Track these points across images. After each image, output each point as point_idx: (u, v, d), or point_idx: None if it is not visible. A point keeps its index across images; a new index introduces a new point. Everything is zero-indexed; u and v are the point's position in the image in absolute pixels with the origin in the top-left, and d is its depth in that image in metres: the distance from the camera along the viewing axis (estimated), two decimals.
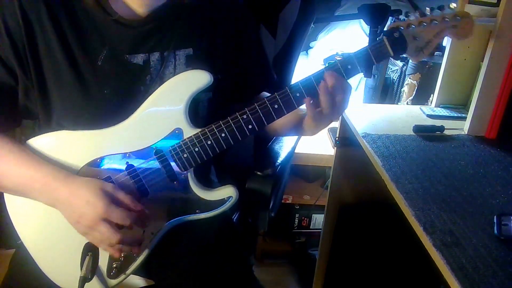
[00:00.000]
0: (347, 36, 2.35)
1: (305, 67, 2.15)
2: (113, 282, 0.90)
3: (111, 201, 0.79)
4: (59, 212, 0.84)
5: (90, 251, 0.87)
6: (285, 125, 0.98)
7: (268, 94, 0.86)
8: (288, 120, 0.95)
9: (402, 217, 0.85)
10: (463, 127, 1.19)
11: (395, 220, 1.01)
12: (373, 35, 1.46)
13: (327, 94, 0.81)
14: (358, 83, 2.12)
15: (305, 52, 2.45)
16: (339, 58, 0.85)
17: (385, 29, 1.54)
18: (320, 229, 1.74)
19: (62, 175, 0.82)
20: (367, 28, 2.07)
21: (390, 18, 1.56)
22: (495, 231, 0.76)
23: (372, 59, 0.84)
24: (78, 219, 0.80)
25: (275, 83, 1.08)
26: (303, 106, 0.85)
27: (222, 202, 0.91)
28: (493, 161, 1.03)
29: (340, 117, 1.32)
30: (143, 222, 0.84)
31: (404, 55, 0.86)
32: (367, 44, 0.85)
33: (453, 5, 0.84)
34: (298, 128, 0.92)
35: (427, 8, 0.84)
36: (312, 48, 2.44)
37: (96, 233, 0.79)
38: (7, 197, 0.89)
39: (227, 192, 0.91)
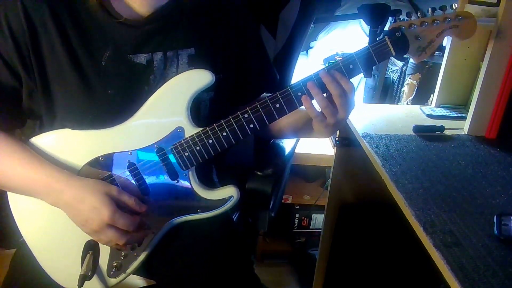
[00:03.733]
0: (347, 36, 2.35)
1: (305, 67, 2.15)
2: (113, 281, 0.91)
3: (117, 206, 0.80)
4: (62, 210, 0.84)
5: (91, 249, 0.88)
6: (292, 126, 0.98)
7: (269, 94, 0.87)
8: (294, 120, 0.95)
9: (402, 217, 0.85)
10: (463, 127, 1.19)
11: (395, 220, 1.01)
12: (373, 35, 1.46)
13: (322, 98, 0.82)
14: (358, 83, 2.12)
15: (305, 52, 2.44)
16: (339, 58, 0.85)
17: (385, 29, 1.55)
18: (320, 229, 1.74)
19: (64, 177, 0.82)
20: (367, 28, 2.07)
21: (390, 18, 1.56)
22: (495, 231, 0.76)
23: (374, 58, 0.84)
24: (84, 223, 0.81)
25: (278, 83, 1.08)
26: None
27: (223, 201, 0.91)
28: (493, 161, 1.03)
29: None
30: (147, 225, 0.86)
31: (406, 55, 0.86)
32: (368, 44, 0.85)
33: (455, 5, 0.84)
34: (308, 129, 0.92)
35: (429, 9, 0.84)
36: (312, 48, 2.44)
37: (103, 236, 0.81)
38: (10, 194, 0.89)
39: (228, 192, 0.91)
